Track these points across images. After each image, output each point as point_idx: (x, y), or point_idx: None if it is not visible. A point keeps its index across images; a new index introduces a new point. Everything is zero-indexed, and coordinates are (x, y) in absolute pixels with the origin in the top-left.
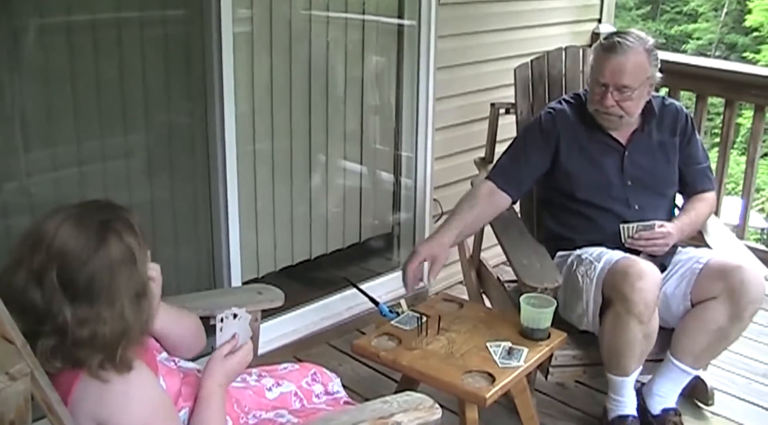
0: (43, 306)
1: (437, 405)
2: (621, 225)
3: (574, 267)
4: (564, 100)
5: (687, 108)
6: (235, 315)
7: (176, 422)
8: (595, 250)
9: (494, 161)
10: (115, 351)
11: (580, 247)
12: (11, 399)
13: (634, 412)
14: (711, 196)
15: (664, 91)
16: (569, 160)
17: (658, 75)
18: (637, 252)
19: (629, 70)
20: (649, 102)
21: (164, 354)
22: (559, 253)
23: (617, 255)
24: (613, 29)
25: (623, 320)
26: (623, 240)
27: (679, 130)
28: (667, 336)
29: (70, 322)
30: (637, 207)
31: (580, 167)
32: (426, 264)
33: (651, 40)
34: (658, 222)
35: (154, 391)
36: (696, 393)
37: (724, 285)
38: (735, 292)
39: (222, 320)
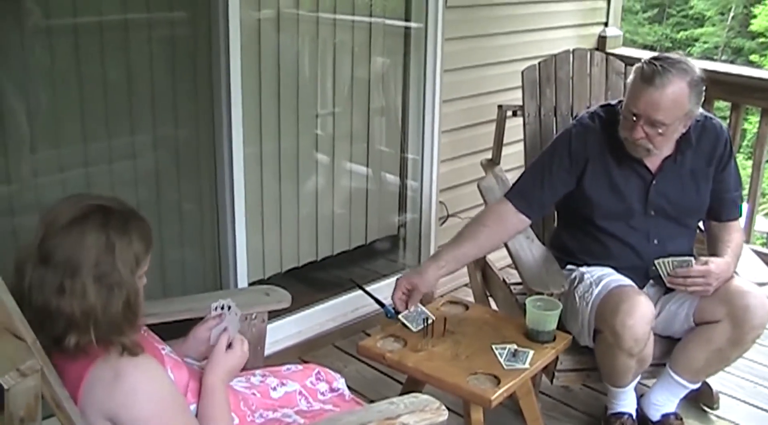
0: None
1: (444, 407)
2: (656, 261)
3: (575, 284)
4: (597, 114)
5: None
6: (229, 307)
7: (186, 412)
8: (599, 271)
9: (501, 162)
10: (87, 329)
11: (589, 265)
12: (21, 396)
13: (632, 411)
14: (739, 224)
15: None
16: (592, 187)
17: (699, 111)
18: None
19: (664, 106)
20: (686, 131)
21: (169, 348)
22: (569, 266)
23: (615, 281)
24: (619, 33)
25: (614, 352)
26: (663, 276)
27: (716, 158)
28: (670, 344)
29: (35, 285)
30: (656, 241)
31: (602, 195)
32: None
33: (697, 72)
34: (703, 259)
35: (162, 383)
36: (702, 397)
37: (728, 310)
38: (738, 318)
39: (217, 309)
